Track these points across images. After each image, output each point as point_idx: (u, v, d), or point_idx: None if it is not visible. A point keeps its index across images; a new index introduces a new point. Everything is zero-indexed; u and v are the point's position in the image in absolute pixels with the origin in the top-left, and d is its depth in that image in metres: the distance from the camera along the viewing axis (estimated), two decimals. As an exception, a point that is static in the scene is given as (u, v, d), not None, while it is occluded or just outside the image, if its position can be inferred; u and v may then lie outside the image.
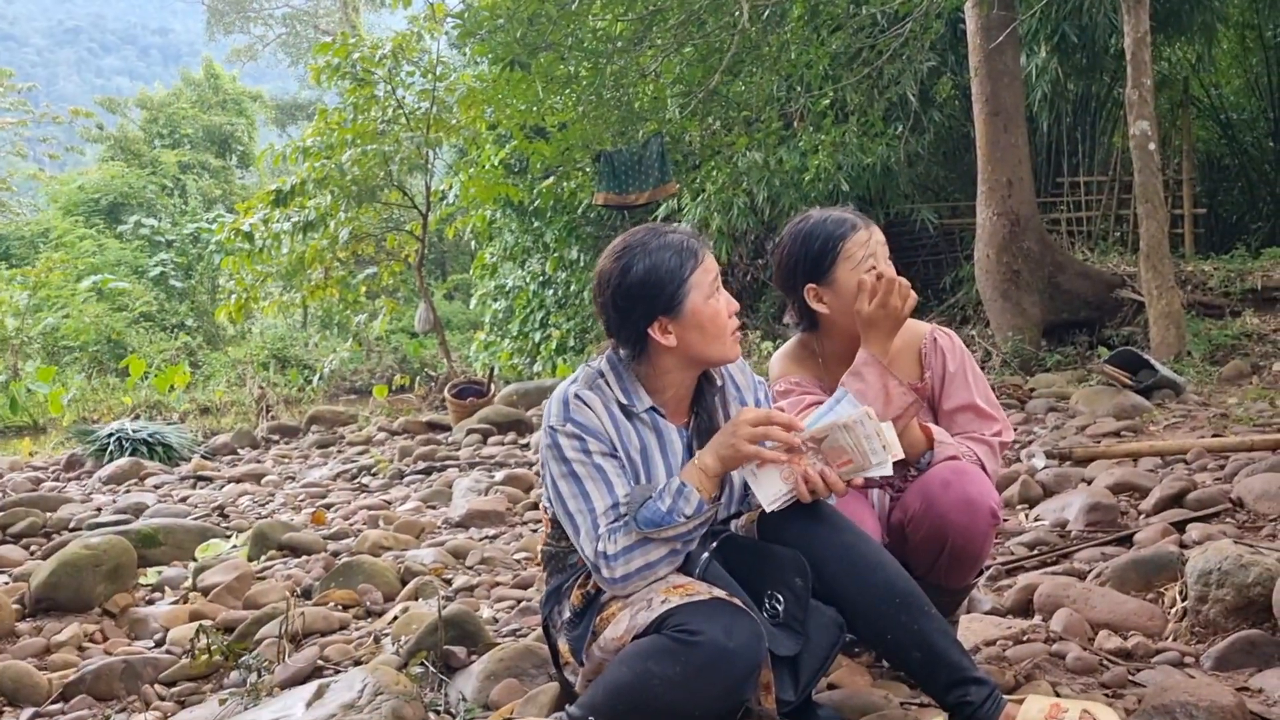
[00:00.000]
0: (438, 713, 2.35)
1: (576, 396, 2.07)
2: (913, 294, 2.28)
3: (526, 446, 7.05)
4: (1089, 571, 2.94)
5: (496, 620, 3.10)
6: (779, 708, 1.89)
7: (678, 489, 1.93)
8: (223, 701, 2.62)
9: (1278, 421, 4.68)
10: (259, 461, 7.68)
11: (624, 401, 2.09)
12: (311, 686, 2.40)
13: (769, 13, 9.28)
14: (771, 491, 1.93)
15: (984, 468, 2.27)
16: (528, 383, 9.84)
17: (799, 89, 10.59)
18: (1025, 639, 2.57)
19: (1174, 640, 2.49)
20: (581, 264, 15.68)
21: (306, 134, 12.70)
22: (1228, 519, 3.29)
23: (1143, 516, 3.49)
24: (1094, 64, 11.93)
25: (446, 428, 8.52)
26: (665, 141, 9.50)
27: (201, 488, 6.47)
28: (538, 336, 17.17)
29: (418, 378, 13.95)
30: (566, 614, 2.12)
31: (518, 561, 3.88)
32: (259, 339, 20.25)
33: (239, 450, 8.47)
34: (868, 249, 2.35)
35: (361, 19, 27.76)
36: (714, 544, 2.07)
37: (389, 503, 5.43)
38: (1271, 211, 14.22)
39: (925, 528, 2.19)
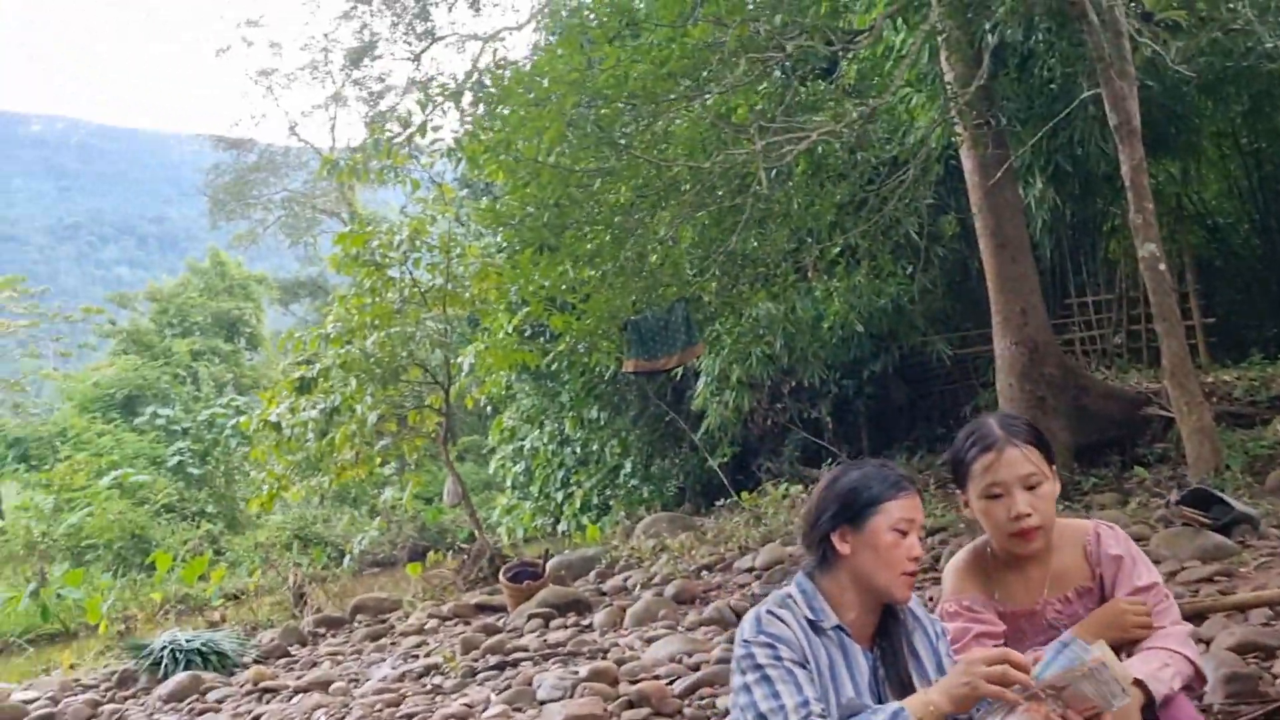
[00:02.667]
0: None
1: (769, 612, 2.18)
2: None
3: (590, 628, 6.99)
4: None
5: None
6: None
7: (894, 712, 1.95)
8: None
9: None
10: (316, 664, 7.58)
11: (812, 618, 2.19)
12: None
13: (776, 171, 9.60)
14: None
15: (1192, 662, 2.28)
16: (569, 554, 9.81)
17: (809, 240, 10.88)
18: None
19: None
20: (601, 422, 15.80)
21: (326, 320, 12.94)
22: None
23: (1279, 681, 3.46)
24: (1088, 189, 12.29)
25: (498, 609, 8.45)
26: (688, 303, 9.72)
27: (269, 701, 6.37)
28: (560, 496, 17.16)
29: (450, 552, 13.84)
30: None
31: (635, 773, 3.82)
32: (280, 520, 20.17)
33: (290, 650, 8.36)
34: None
35: (357, 196, 28.54)
36: None
37: (470, 707, 5.35)
38: (1273, 309, 14.46)
39: None
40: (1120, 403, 10.45)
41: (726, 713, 4.49)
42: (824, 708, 2.05)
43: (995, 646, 2.39)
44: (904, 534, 2.18)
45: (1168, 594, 2.41)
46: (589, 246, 8.46)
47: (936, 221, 11.85)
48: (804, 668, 2.11)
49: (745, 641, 2.14)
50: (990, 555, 2.54)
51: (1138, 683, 2.17)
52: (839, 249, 11.26)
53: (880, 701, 2.13)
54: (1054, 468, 2.44)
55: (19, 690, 7.95)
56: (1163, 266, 9.12)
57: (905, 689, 2.19)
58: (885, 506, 2.19)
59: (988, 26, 9.72)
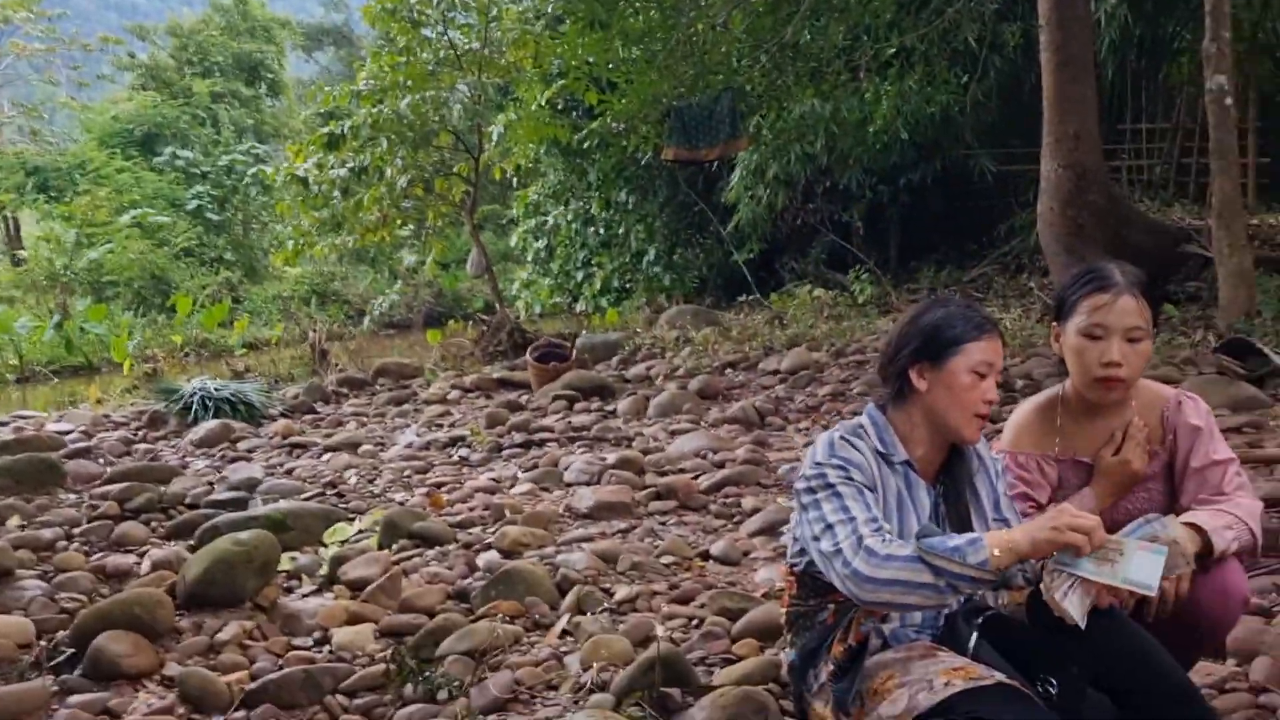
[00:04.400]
0: (671, 762, 2.42)
1: (842, 438, 2.20)
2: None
3: (614, 414, 7.11)
4: (1270, 607, 2.99)
5: (675, 643, 3.16)
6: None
7: (973, 538, 1.96)
8: (442, 736, 2.70)
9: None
10: (341, 423, 7.76)
11: (882, 450, 2.22)
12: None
13: (840, -39, 9.12)
14: (1083, 607, 1.97)
15: (1254, 536, 2.29)
16: (592, 337, 9.86)
17: (865, 38, 10.44)
18: (1228, 688, 2.63)
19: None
20: (628, 205, 15.62)
21: (358, 76, 12.58)
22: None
23: (1301, 539, 3.53)
24: (1163, 8, 11.69)
25: (520, 385, 8.58)
26: (735, 95, 9.40)
27: (299, 456, 6.55)
28: (580, 276, 17.18)
29: (468, 321, 13.96)
30: (823, 676, 2.17)
31: (666, 567, 3.94)
32: (299, 274, 20.28)
33: (315, 407, 8.54)
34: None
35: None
36: (979, 620, 2.12)
37: (498, 482, 5.50)
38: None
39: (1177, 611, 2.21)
40: (1160, 237, 10.28)
41: (753, 512, 4.62)
42: (889, 529, 2.08)
43: (1031, 507, 2.44)
44: (982, 376, 2.18)
45: (1240, 471, 2.40)
46: (640, 24, 8.11)
47: (999, 30, 11.33)
48: (873, 491, 2.15)
49: (817, 463, 2.16)
50: (1062, 401, 2.53)
51: (1199, 529, 2.19)
52: (894, 50, 10.81)
53: None
54: (1155, 329, 2.39)
55: (52, 421, 8.18)
56: (1229, 101, 8.77)
57: (964, 526, 2.23)
58: (967, 347, 2.17)
59: None
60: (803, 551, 2.24)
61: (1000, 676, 1.91)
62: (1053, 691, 1.97)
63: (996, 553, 1.92)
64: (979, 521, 2.27)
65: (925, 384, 2.19)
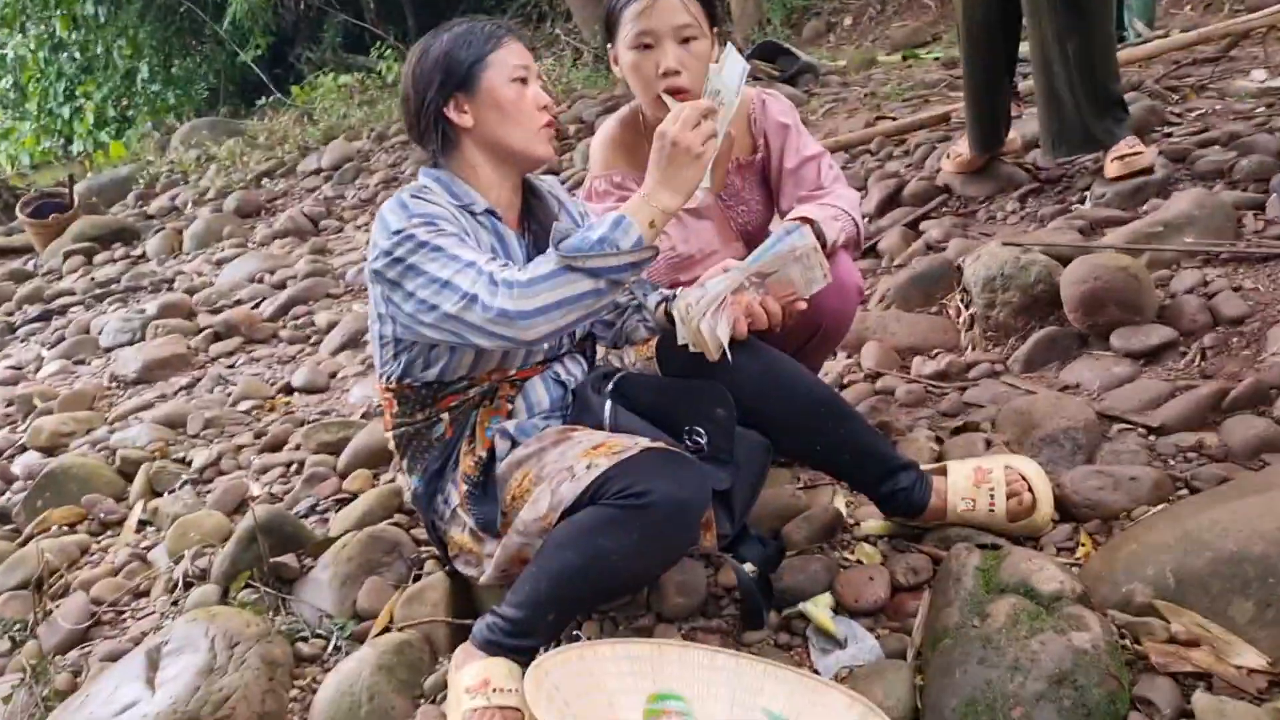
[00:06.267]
0: (305, 641, 2.04)
1: (412, 196, 1.80)
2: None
3: (144, 258, 6.18)
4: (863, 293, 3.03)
5: (276, 498, 2.73)
6: (719, 543, 1.80)
7: (615, 220, 1.67)
8: (6, 699, 2.13)
9: (923, 94, 5.00)
10: None
11: (458, 203, 1.86)
12: (137, 658, 1.99)
13: None
14: (724, 336, 1.75)
15: (857, 225, 2.19)
16: (97, 177, 8.53)
17: None
18: (846, 381, 2.63)
19: (973, 350, 2.64)
20: (100, 19, 13.46)
21: None
22: (945, 210, 3.50)
23: (868, 220, 3.63)
24: None
25: (23, 251, 7.27)
26: None
27: None
28: (66, 112, 14.84)
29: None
30: (455, 497, 1.87)
31: (246, 414, 3.42)
32: None
33: None
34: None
35: None
36: (610, 386, 1.88)
37: (18, 368, 4.59)
38: None
39: (798, 315, 2.08)
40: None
41: (330, 328, 4.16)
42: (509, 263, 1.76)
43: None
44: (525, 82, 1.87)
45: (834, 164, 2.29)
46: None
47: None
48: (469, 239, 1.80)
49: (395, 231, 1.73)
50: (641, 120, 2.29)
51: (810, 222, 2.04)
52: None
53: None
54: (717, 30, 2.16)
55: None
56: None
57: None
58: (492, 59, 1.84)
59: None
60: (396, 356, 1.87)
61: (645, 442, 1.69)
62: (702, 442, 1.80)
63: (643, 221, 1.67)
64: None
65: (469, 117, 1.85)
